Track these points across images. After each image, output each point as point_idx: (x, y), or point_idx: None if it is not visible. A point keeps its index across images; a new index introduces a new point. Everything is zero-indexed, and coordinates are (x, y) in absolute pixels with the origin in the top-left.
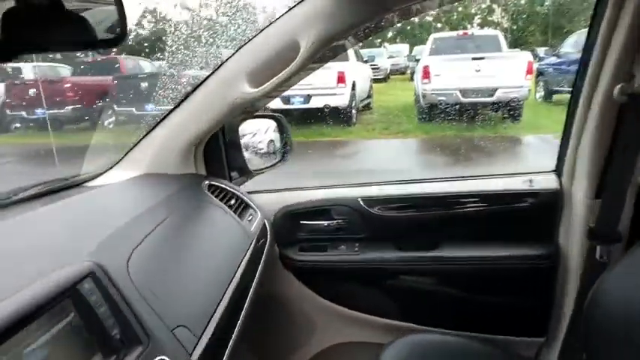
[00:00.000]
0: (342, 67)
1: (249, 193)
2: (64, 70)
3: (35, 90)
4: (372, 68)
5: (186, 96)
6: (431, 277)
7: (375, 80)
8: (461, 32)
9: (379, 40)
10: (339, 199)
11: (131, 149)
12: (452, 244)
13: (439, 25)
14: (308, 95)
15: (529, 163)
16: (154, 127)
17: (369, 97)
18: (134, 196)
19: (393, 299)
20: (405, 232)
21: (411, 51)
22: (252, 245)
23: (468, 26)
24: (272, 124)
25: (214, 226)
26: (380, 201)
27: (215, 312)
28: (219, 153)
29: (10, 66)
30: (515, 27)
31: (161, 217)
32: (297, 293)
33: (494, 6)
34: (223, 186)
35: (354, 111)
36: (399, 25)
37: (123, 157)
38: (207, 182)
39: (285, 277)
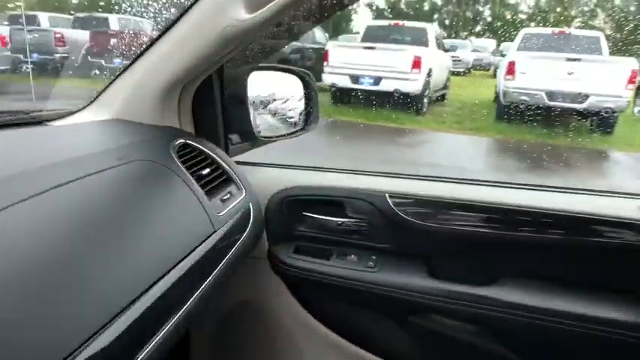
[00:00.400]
0: (420, 52)
1: (241, 163)
2: (146, 25)
3: (116, 40)
4: (453, 60)
5: (170, 25)
6: (477, 326)
7: (455, 73)
8: (557, 30)
9: (465, 33)
10: (360, 191)
11: (104, 89)
12: (518, 285)
13: (532, 25)
14: (378, 77)
15: (617, 183)
16: (131, 63)
17: (444, 88)
18: (67, 143)
19: (414, 345)
20: (446, 252)
21: (498, 46)
22: (216, 236)
23: (566, 28)
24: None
25: (155, 201)
26: (416, 202)
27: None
28: (212, 108)
29: (98, 16)
30: (619, 35)
31: (71, 176)
32: (283, 306)
33: (599, 10)
34: (203, 148)
35: (425, 100)
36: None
37: (95, 99)
38: (180, 141)
39: (272, 283)
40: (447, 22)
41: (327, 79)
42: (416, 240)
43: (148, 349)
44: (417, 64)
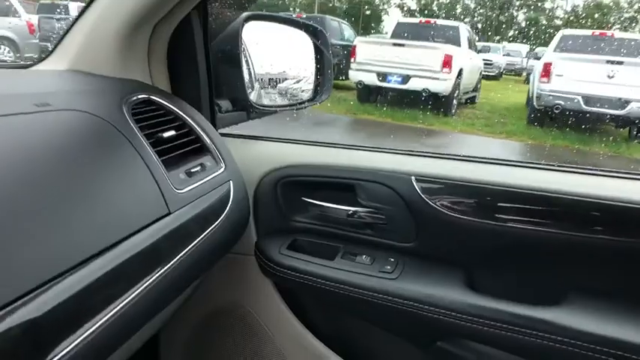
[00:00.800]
0: (451, 51)
1: (227, 135)
2: None
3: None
4: (485, 63)
5: None
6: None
7: (486, 77)
8: (598, 32)
9: (497, 38)
10: (378, 172)
11: (63, 36)
12: (594, 307)
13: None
14: (407, 76)
15: None
16: (88, 4)
17: (475, 90)
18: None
19: None
20: (490, 256)
21: (532, 49)
22: (171, 219)
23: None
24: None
25: (79, 162)
26: (452, 188)
27: None
28: (191, 61)
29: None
30: None
31: None
32: (272, 317)
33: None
34: (172, 107)
35: (455, 101)
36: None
37: (54, 48)
38: (142, 95)
39: (260, 286)
40: (479, 25)
41: (354, 76)
42: (450, 239)
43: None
44: (447, 63)
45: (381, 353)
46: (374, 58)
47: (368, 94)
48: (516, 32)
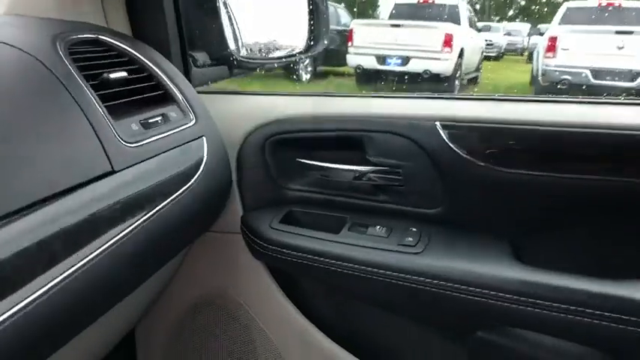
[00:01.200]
0: (451, 30)
1: (203, 93)
2: None
3: None
4: (486, 43)
5: None
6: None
7: (487, 58)
8: (605, 2)
9: (497, 18)
10: (393, 120)
11: None
12: None
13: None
14: (407, 57)
15: None
16: None
17: (477, 70)
18: None
19: None
20: (547, 219)
21: (535, 27)
22: (116, 181)
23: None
24: None
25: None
26: (488, 133)
27: None
28: (157, 9)
29: None
30: None
31: None
32: (265, 304)
33: None
34: (125, 48)
35: (457, 82)
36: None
37: None
38: (83, 35)
39: (249, 269)
40: (477, 5)
41: (352, 60)
42: (489, 199)
43: None
44: (448, 42)
45: (405, 348)
46: (372, 40)
47: (367, 78)
48: (516, 11)
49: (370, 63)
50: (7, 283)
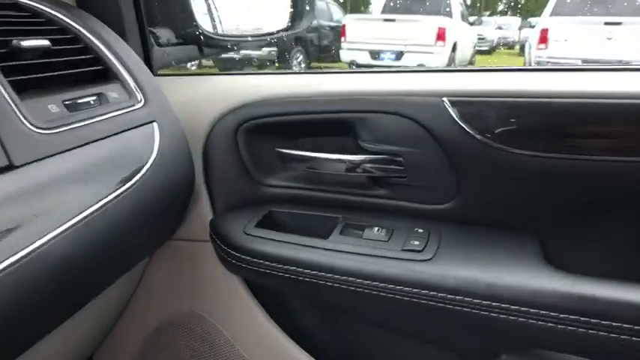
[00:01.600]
0: (444, 23)
1: (164, 76)
2: None
3: None
4: (478, 38)
5: None
6: None
7: (479, 52)
8: None
9: (488, 12)
10: (390, 96)
11: None
12: None
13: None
14: (400, 52)
15: None
16: None
17: (470, 64)
18: None
19: None
20: (586, 212)
21: (525, 20)
22: (14, 178)
23: None
24: None
25: None
26: (507, 109)
27: None
28: None
29: None
30: None
31: None
32: (244, 326)
33: None
34: (46, 10)
35: None
36: None
37: None
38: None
39: (222, 283)
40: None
41: (346, 56)
42: (510, 188)
43: None
44: (441, 36)
45: None
46: (365, 35)
47: None
48: (506, 6)
49: (364, 58)
50: None
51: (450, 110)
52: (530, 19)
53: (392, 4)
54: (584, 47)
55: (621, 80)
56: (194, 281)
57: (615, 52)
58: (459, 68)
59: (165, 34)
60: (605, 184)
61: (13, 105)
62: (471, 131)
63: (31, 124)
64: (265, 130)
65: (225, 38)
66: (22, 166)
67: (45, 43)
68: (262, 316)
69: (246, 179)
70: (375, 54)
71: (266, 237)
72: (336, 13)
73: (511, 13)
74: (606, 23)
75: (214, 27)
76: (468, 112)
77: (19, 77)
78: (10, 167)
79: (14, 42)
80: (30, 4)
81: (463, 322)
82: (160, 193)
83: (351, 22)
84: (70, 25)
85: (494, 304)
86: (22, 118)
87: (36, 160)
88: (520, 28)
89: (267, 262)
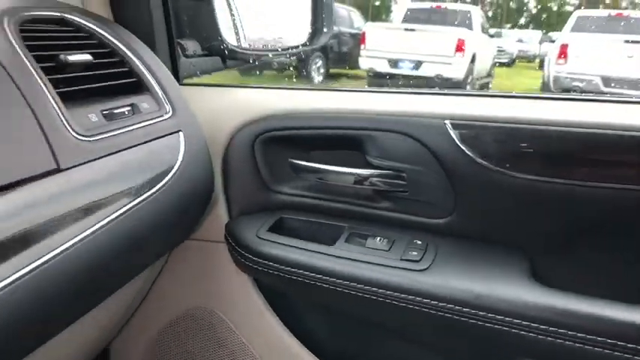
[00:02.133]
0: (463, 35)
1: (189, 85)
2: None
3: None
4: (497, 50)
5: None
6: None
7: (498, 64)
8: (614, 12)
9: (509, 25)
10: (396, 116)
11: None
12: None
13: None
14: (419, 61)
15: None
16: None
17: (488, 76)
18: None
19: None
20: (572, 232)
21: (545, 34)
22: (60, 180)
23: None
24: None
25: None
26: (504, 134)
27: None
28: None
29: None
30: None
31: None
32: (253, 324)
33: None
34: (90, 26)
35: (468, 87)
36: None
37: None
38: (42, 12)
39: (234, 282)
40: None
41: (364, 63)
42: (505, 209)
43: None
44: (460, 47)
45: None
46: (384, 44)
47: (379, 81)
48: (528, 20)
49: (382, 66)
50: None
51: (452, 133)
52: (551, 34)
53: (413, 14)
54: (604, 64)
55: (618, 112)
56: (207, 279)
57: (635, 70)
58: (462, 92)
59: (191, 45)
60: (593, 207)
61: (61, 115)
62: (470, 154)
63: (75, 132)
64: (280, 142)
65: (247, 52)
66: (67, 169)
67: (88, 57)
68: (269, 314)
69: (261, 187)
70: (393, 62)
71: (276, 241)
72: (357, 20)
73: (532, 26)
74: (626, 41)
75: (238, 39)
76: (469, 135)
77: (66, 89)
78: (58, 170)
79: (62, 57)
80: (74, 20)
81: (454, 329)
82: (182, 198)
83: (372, 30)
84: (108, 39)
85: (481, 313)
86: (68, 127)
87: (79, 165)
88: (540, 42)
89: (276, 265)
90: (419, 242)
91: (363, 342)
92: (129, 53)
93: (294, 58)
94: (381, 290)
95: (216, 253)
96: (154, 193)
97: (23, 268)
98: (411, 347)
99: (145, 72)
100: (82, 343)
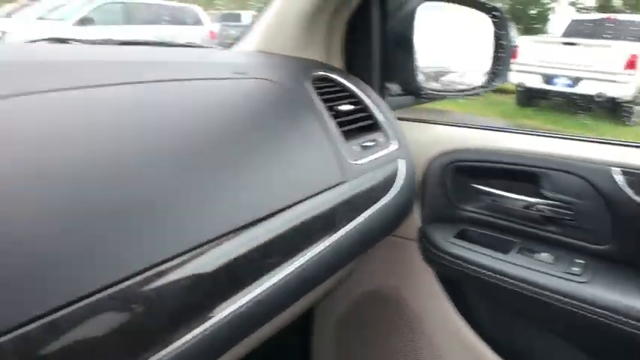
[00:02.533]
0: (637, 50)
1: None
2: None
3: None
4: None
5: None
6: None
7: None
8: (605, 16)
9: None
10: (570, 160)
11: (252, 23)
12: None
13: None
14: (577, 78)
15: None
16: None
17: None
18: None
19: None
20: None
21: None
22: (346, 188)
23: None
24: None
25: (269, 125)
26: None
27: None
28: (367, 45)
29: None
30: None
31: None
32: (431, 306)
33: None
34: (348, 84)
35: (638, 107)
36: None
37: (245, 33)
38: (319, 72)
39: (421, 273)
40: None
41: (514, 78)
42: None
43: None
44: (631, 63)
45: None
46: (539, 58)
47: (529, 97)
48: None
49: (534, 81)
50: (236, 282)
51: (617, 179)
52: None
53: (576, 26)
54: None
55: None
56: (400, 267)
57: None
58: (628, 142)
59: (393, 87)
60: None
61: (343, 146)
62: (634, 197)
63: (349, 158)
64: (465, 171)
65: (435, 93)
66: (347, 181)
67: (350, 107)
68: (446, 300)
69: (448, 203)
70: (547, 78)
71: (461, 245)
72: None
73: None
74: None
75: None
76: (633, 181)
77: (343, 129)
78: (343, 182)
79: (337, 107)
80: (332, 77)
81: (605, 331)
82: (397, 206)
83: (525, 44)
84: (355, 91)
85: (636, 323)
86: (346, 154)
87: (352, 179)
88: None
89: (459, 262)
90: (579, 261)
91: (524, 332)
92: (366, 100)
93: None
94: (545, 292)
95: (408, 249)
96: (385, 201)
97: (324, 242)
98: (565, 346)
99: (379, 114)
100: (296, 305)
